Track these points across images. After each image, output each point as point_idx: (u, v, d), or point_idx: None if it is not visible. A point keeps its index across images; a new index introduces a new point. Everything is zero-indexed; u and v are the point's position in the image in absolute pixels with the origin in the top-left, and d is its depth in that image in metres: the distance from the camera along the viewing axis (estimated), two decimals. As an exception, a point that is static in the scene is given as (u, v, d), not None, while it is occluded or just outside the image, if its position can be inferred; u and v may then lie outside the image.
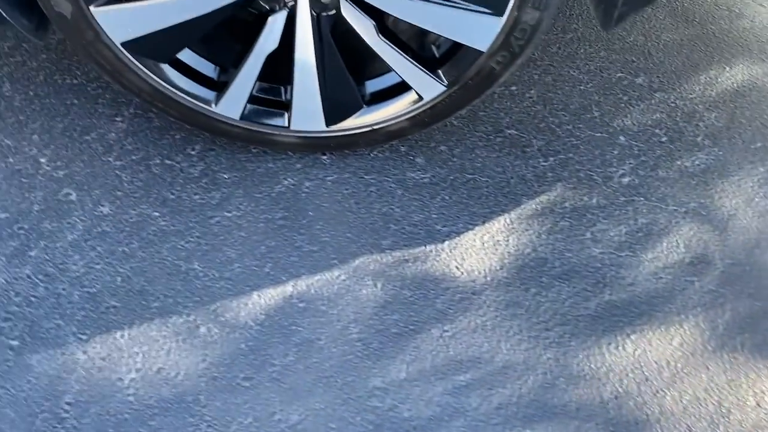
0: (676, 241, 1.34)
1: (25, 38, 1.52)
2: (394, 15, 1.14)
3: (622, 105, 1.53)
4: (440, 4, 1.12)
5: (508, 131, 1.47)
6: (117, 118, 1.44)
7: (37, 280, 1.23)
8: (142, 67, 1.20)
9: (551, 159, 1.44)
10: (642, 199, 1.40)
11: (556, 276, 1.28)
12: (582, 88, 1.55)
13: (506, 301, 1.25)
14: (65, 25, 1.13)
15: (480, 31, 1.16)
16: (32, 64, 1.51)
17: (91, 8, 1.10)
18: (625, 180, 1.42)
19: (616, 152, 1.45)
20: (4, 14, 1.13)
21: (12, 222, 1.30)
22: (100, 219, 1.31)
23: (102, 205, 1.32)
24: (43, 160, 1.37)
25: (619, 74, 1.57)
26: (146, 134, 1.42)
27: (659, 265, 1.31)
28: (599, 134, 1.48)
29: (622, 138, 1.48)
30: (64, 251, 1.27)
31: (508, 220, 1.36)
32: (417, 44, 1.28)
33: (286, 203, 1.35)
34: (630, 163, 1.44)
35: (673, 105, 1.53)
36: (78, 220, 1.30)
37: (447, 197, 1.38)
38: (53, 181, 1.35)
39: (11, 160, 1.37)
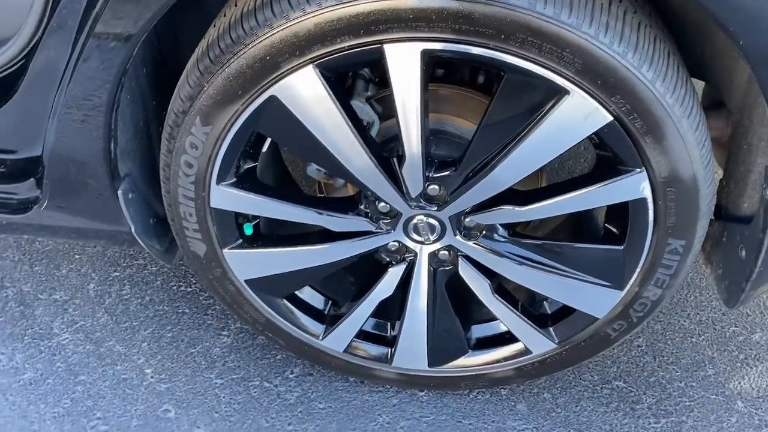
0: None
1: (114, 247, 1.62)
2: (512, 280, 1.15)
3: (739, 364, 1.44)
4: (559, 273, 1.12)
5: (616, 383, 1.40)
6: (223, 332, 1.48)
7: (124, 508, 1.21)
8: (260, 300, 1.24)
9: (663, 421, 1.34)
10: (768, 481, 1.27)
11: None
12: (694, 340, 1.48)
13: None
14: (197, 262, 1.20)
15: (598, 301, 1.14)
16: (152, 269, 1.60)
17: (224, 250, 1.17)
18: (747, 455, 1.30)
19: (734, 420, 1.35)
20: (140, 241, 1.22)
21: (110, 437, 1.31)
22: (194, 443, 1.30)
23: (198, 427, 1.32)
24: (148, 370, 1.41)
25: (734, 328, 1.50)
26: (249, 351, 1.44)
27: None
28: (714, 396, 1.39)
29: (740, 404, 1.37)
30: (155, 477, 1.25)
31: (617, 492, 1.25)
32: (528, 299, 1.27)
33: (380, 444, 1.31)
34: (751, 435, 1.33)
35: (795, 369, 1.43)
36: (173, 442, 1.30)
37: (550, 456, 1.30)
38: (155, 394, 1.37)
39: (119, 367, 1.41)
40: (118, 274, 1.58)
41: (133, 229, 1.18)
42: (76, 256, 1.62)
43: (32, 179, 1.16)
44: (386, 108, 1.13)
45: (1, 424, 1.32)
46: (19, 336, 1.46)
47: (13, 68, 1.11)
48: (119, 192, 1.12)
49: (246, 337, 1.47)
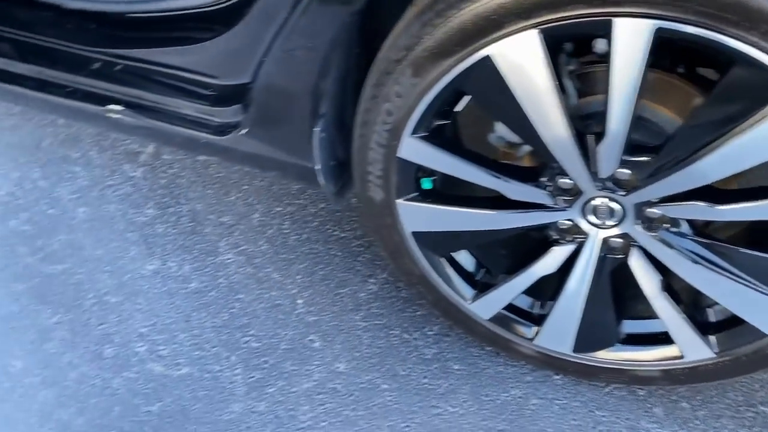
0: None
1: (293, 181, 1.72)
2: (686, 280, 1.12)
3: None
4: (738, 281, 1.08)
5: (762, 408, 1.34)
6: (370, 280, 1.54)
7: (267, 420, 1.30)
8: (420, 254, 1.28)
9: (812, 457, 1.28)
10: None
11: None
12: None
13: None
14: (370, 207, 1.25)
15: (774, 317, 1.09)
16: (311, 210, 1.69)
17: (399, 200, 1.21)
18: None
19: None
20: (320, 179, 1.29)
21: (261, 353, 1.41)
22: (335, 375, 1.37)
23: (339, 362, 1.39)
24: (300, 301, 1.50)
25: None
26: (392, 302, 1.50)
27: None
28: None
29: None
30: (297, 398, 1.34)
31: None
32: (691, 301, 1.23)
33: (509, 416, 1.32)
34: None
35: None
36: (316, 370, 1.38)
37: (683, 465, 1.26)
38: (304, 324, 1.46)
39: (274, 293, 1.51)
40: (280, 209, 1.68)
41: (318, 167, 1.25)
42: (244, 187, 1.73)
43: (238, 105, 1.26)
44: (586, 84, 1.12)
45: (167, 323, 1.46)
46: (188, 249, 1.59)
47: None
48: (316, 129, 1.19)
49: (390, 288, 1.52)
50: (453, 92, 1.06)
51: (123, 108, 1.36)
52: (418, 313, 1.48)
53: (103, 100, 1.38)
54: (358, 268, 1.56)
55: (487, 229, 1.20)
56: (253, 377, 1.36)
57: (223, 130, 1.30)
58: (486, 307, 1.31)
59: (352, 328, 1.45)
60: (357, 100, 1.31)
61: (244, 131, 1.27)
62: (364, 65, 1.17)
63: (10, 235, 1.59)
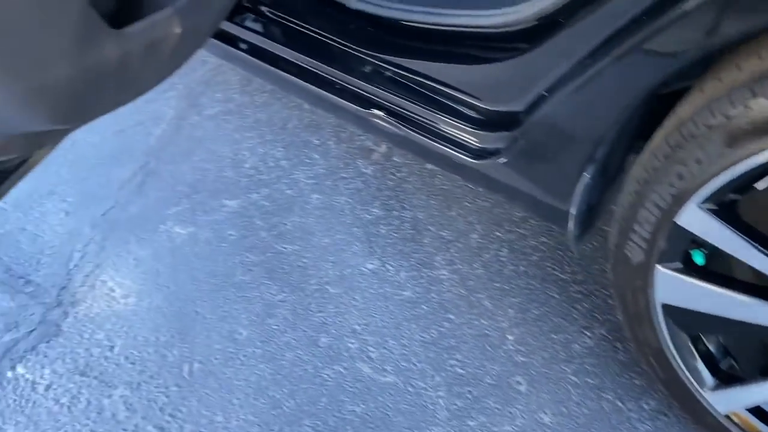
0: None
1: (533, 216, 1.67)
2: None
3: None
4: None
5: None
6: (586, 333, 1.46)
7: (464, 454, 1.28)
8: (665, 328, 1.18)
9: None
10: None
11: None
12: None
13: None
14: (622, 265, 1.17)
15: None
16: (531, 242, 1.63)
17: (659, 266, 1.12)
18: None
19: None
20: (570, 223, 1.23)
21: (465, 382, 1.39)
22: (539, 426, 1.32)
23: (544, 413, 1.34)
24: (510, 337, 1.46)
25: None
26: (608, 363, 1.41)
27: None
28: None
29: None
30: (497, 439, 1.30)
31: None
32: None
33: None
34: None
35: None
36: (518, 414, 1.33)
37: None
38: (511, 363, 1.41)
39: (484, 322, 1.48)
40: (500, 234, 1.65)
41: (573, 210, 1.19)
42: (466, 204, 1.72)
43: (504, 132, 1.23)
44: None
45: (379, 326, 1.48)
46: (406, 255, 1.61)
47: (534, 25, 1.16)
48: (585, 174, 1.13)
49: (607, 347, 1.43)
50: (766, 171, 0.95)
51: (386, 115, 1.39)
52: (636, 381, 1.37)
53: (367, 102, 1.43)
54: (575, 317, 1.48)
55: (759, 323, 1.07)
56: (455, 405, 1.35)
57: (481, 154, 1.28)
58: (725, 401, 1.18)
59: (562, 380, 1.38)
60: (627, 151, 1.23)
61: (503, 160, 1.24)
62: (645, 116, 1.09)
63: (251, 207, 1.71)
